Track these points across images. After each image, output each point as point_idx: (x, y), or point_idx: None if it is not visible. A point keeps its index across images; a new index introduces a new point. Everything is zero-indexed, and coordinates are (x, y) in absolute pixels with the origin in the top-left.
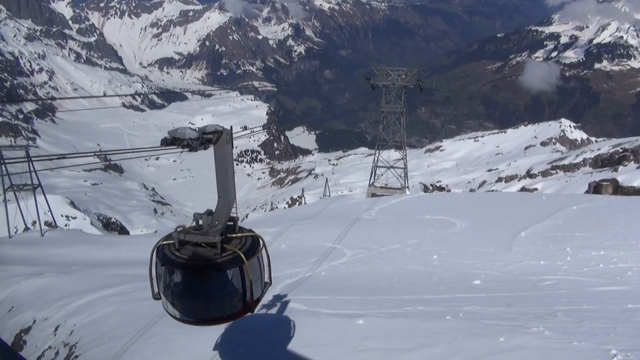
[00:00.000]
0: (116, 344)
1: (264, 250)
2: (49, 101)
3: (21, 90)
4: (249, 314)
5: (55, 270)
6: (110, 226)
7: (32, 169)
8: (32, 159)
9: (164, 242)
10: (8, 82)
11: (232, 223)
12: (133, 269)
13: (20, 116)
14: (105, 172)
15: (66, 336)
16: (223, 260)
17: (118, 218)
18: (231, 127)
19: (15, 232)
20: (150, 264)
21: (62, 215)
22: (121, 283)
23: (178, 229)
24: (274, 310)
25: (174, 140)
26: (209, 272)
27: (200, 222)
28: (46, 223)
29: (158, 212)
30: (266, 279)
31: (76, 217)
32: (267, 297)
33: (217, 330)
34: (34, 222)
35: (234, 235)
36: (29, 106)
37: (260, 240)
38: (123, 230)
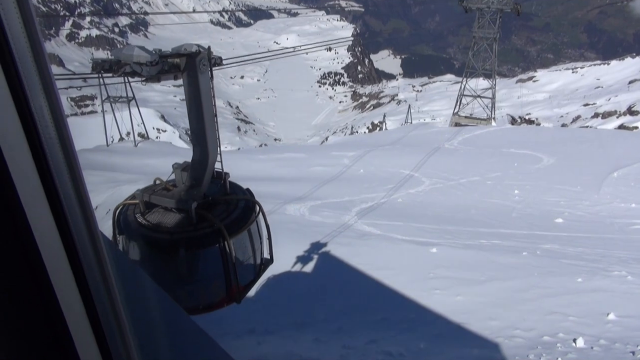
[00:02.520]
0: None
1: (261, 219)
2: (142, 16)
3: (116, 4)
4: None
5: (148, 179)
6: None
7: (127, 81)
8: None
9: (128, 202)
10: None
11: (221, 182)
12: None
13: (116, 30)
14: None
15: None
16: (196, 235)
17: None
18: (208, 48)
19: (112, 142)
20: (113, 228)
21: (153, 128)
22: None
23: (146, 188)
24: (348, 233)
25: (114, 65)
26: (176, 250)
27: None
28: (139, 134)
29: (241, 130)
30: (266, 256)
31: (166, 130)
32: (343, 220)
33: (293, 247)
34: (128, 133)
35: (221, 198)
36: (124, 20)
37: (257, 206)
38: None
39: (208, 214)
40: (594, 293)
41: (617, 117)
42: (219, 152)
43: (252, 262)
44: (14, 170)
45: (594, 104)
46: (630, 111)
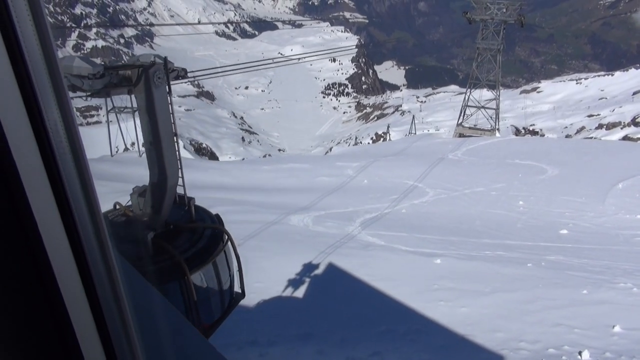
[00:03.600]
0: None
1: (230, 250)
2: (148, 27)
3: (122, 16)
4: None
5: None
6: (201, 151)
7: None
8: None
9: None
10: (111, 8)
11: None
12: (222, 193)
13: (122, 41)
14: (198, 99)
15: None
16: (152, 269)
17: (208, 144)
18: (165, 59)
19: (117, 152)
20: None
21: None
22: (211, 205)
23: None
24: (352, 243)
25: None
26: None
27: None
28: (144, 145)
29: (246, 141)
30: (237, 289)
31: None
32: (346, 231)
33: (296, 257)
34: (133, 144)
35: (185, 226)
36: (129, 32)
37: (226, 236)
38: (213, 156)
39: (167, 245)
40: (600, 305)
41: (622, 128)
42: (180, 174)
43: (219, 298)
44: (27, 186)
45: (598, 115)
46: (634, 122)
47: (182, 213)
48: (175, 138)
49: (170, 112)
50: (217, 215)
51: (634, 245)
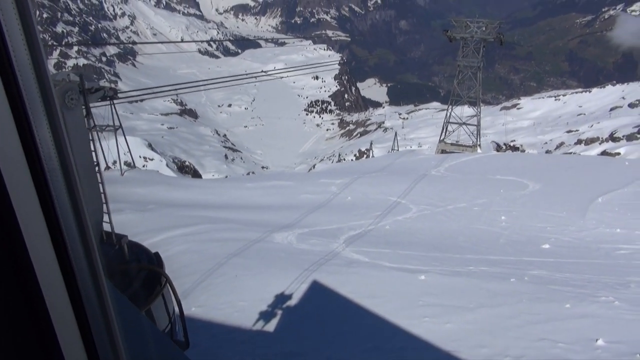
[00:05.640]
0: (188, 280)
1: (169, 294)
2: (130, 45)
3: (104, 34)
4: None
5: (133, 208)
6: (184, 169)
7: (114, 111)
8: (115, 100)
9: None
10: (92, 26)
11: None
12: (205, 211)
13: (104, 59)
14: (181, 117)
15: None
16: None
17: (192, 162)
18: (81, 78)
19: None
20: None
21: (140, 157)
22: (194, 224)
23: None
24: (336, 260)
25: None
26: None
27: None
28: (126, 163)
29: (229, 158)
30: (179, 338)
31: (153, 159)
32: (331, 248)
33: (281, 275)
34: (115, 162)
35: (115, 268)
36: (111, 50)
37: (163, 279)
38: (196, 174)
39: None
40: (583, 319)
41: (600, 144)
42: (106, 210)
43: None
44: (16, 203)
45: (577, 130)
46: (612, 138)
47: (113, 253)
48: (96, 168)
49: (90, 138)
50: (157, 254)
51: (615, 259)
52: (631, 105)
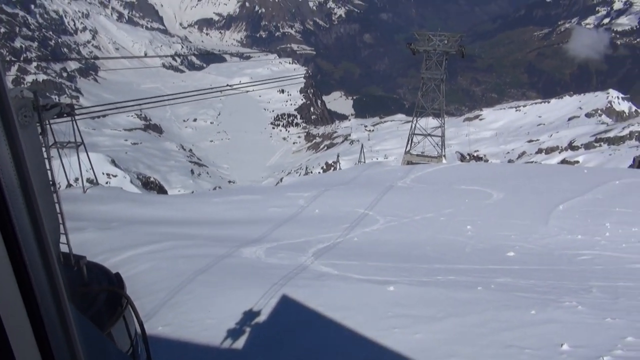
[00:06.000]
0: (154, 298)
1: (131, 316)
2: (92, 60)
3: (65, 49)
4: None
5: (96, 226)
6: (149, 185)
7: (76, 127)
8: (76, 117)
9: None
10: (53, 41)
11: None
12: (171, 228)
13: (64, 75)
14: (145, 132)
15: None
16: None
17: (157, 177)
18: (35, 95)
19: (59, 189)
20: None
21: (103, 173)
22: (159, 241)
23: None
24: (305, 274)
25: None
26: None
27: None
28: (88, 180)
29: (195, 173)
30: None
31: (117, 175)
32: (299, 261)
33: (249, 290)
34: (77, 179)
35: (73, 290)
36: (72, 65)
37: (124, 300)
38: (161, 190)
39: None
40: (548, 324)
41: (560, 152)
42: (63, 230)
43: None
44: None
45: (537, 140)
46: (571, 146)
47: (70, 275)
48: (52, 188)
49: (45, 156)
50: (117, 275)
51: (577, 265)
52: (588, 115)
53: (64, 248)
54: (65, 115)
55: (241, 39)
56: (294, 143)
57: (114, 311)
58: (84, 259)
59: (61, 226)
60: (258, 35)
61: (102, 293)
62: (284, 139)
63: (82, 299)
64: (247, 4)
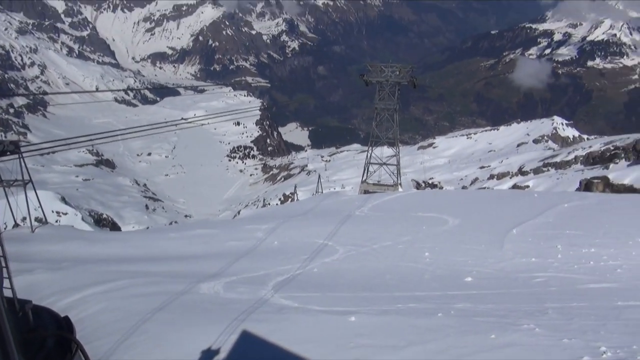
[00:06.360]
0: (109, 340)
1: None
2: (41, 96)
3: (12, 85)
4: None
5: (46, 266)
6: (102, 222)
7: (23, 164)
8: (23, 154)
9: None
10: None
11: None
12: (125, 265)
13: (11, 111)
14: (97, 168)
15: None
16: None
17: (110, 214)
18: None
19: (5, 229)
20: None
21: (53, 211)
22: (113, 279)
23: None
24: (265, 308)
25: None
26: None
27: None
28: (37, 219)
29: (150, 208)
30: None
31: (67, 213)
32: (259, 295)
33: (208, 327)
34: (24, 219)
35: (18, 337)
36: (20, 101)
37: (75, 346)
38: (115, 227)
39: None
40: (507, 348)
41: (510, 178)
42: (7, 274)
43: None
44: None
45: (489, 166)
46: (521, 172)
47: (16, 321)
48: None
49: None
50: (66, 318)
51: (532, 287)
52: (535, 141)
53: (7, 293)
54: (8, 153)
55: (195, 72)
56: (250, 175)
57: (63, 357)
58: (30, 304)
59: (4, 270)
60: (212, 68)
61: (50, 338)
62: (241, 171)
63: (28, 346)
64: (200, 38)
